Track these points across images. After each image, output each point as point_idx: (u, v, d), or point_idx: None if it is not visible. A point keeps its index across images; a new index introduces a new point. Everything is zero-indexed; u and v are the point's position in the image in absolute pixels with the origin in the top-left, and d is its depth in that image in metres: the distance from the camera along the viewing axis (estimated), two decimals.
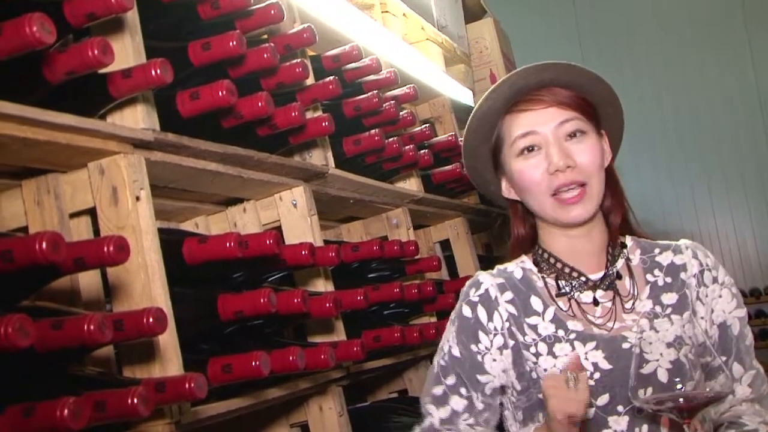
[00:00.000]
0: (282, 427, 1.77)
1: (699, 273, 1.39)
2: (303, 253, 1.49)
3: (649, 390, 1.19)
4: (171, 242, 1.29)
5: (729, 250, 7.56)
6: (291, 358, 1.34)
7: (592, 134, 1.36)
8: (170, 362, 1.20)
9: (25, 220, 1.25)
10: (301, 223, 1.74)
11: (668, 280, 1.39)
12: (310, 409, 1.73)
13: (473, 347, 1.36)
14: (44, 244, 0.91)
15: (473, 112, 1.40)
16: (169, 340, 1.20)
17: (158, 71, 1.13)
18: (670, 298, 1.37)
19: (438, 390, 1.39)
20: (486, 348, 1.35)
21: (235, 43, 1.34)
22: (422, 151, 2.17)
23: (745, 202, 7.54)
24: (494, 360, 1.35)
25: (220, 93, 1.28)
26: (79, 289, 1.25)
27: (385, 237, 2.28)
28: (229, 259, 1.31)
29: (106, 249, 1.00)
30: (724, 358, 1.34)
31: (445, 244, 2.81)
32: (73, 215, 1.27)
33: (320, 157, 1.77)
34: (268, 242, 1.36)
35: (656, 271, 1.40)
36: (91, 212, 1.27)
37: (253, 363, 1.25)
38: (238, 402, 1.34)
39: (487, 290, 1.37)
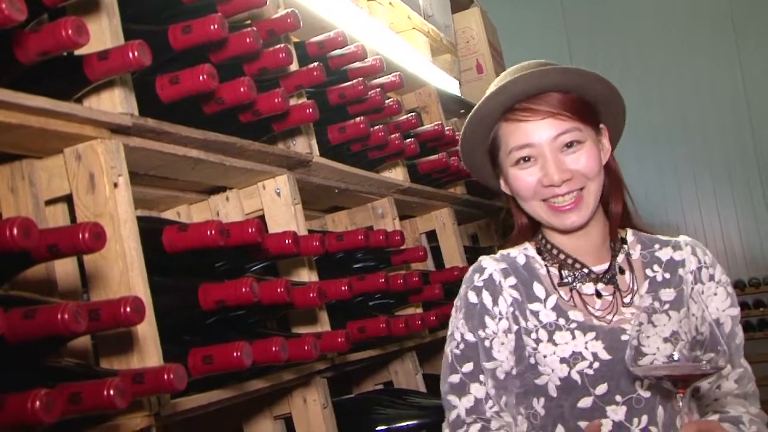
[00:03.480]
0: (265, 420, 1.74)
1: (696, 270, 1.40)
2: (286, 242, 1.46)
3: (645, 382, 1.23)
4: (150, 230, 1.26)
5: (714, 243, 7.58)
6: (274, 348, 1.31)
7: (589, 140, 1.35)
8: (149, 353, 1.17)
9: None
10: (285, 212, 1.71)
11: (667, 275, 1.40)
12: (293, 402, 1.70)
13: (481, 333, 1.35)
14: (15, 230, 0.87)
15: (470, 115, 1.39)
16: (148, 330, 1.17)
17: (136, 53, 1.10)
18: (668, 294, 1.38)
19: (455, 378, 1.36)
20: (493, 332, 1.35)
21: (216, 26, 1.30)
22: (408, 140, 2.15)
23: (730, 196, 7.57)
24: (502, 344, 1.34)
25: (200, 77, 1.25)
26: (55, 279, 1.22)
27: (370, 227, 2.25)
28: (210, 247, 1.28)
29: (81, 236, 0.97)
30: (712, 355, 1.33)
31: (431, 236, 2.78)
32: (48, 202, 1.23)
33: (304, 145, 1.74)
34: (250, 230, 1.33)
35: (655, 267, 1.41)
36: (68, 199, 1.23)
37: (235, 354, 1.22)
38: (220, 394, 1.31)
39: (491, 275, 1.37)
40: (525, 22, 7.33)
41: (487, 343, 1.35)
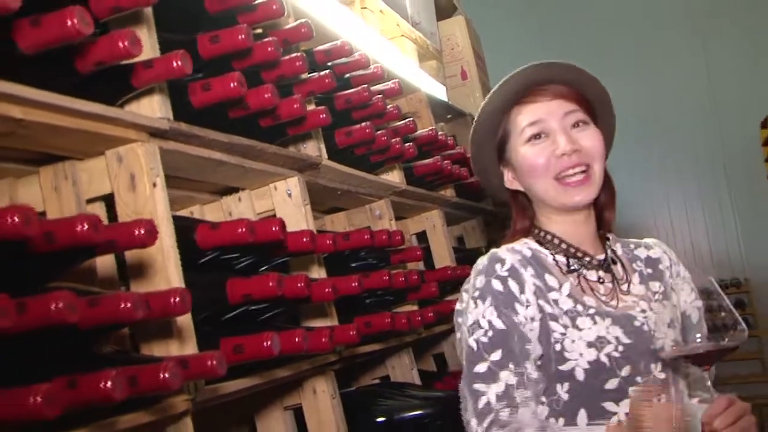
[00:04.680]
0: (276, 410, 1.82)
1: (669, 266, 1.53)
2: (304, 240, 1.55)
3: (659, 364, 1.34)
4: (184, 228, 1.34)
5: (683, 245, 7.78)
6: (297, 339, 1.40)
7: (593, 125, 1.45)
8: (187, 341, 1.25)
9: (41, 205, 1.29)
10: (296, 213, 1.79)
11: (650, 270, 1.51)
12: (304, 392, 1.78)
13: (515, 318, 1.35)
14: (86, 226, 0.96)
15: (482, 105, 1.48)
16: (185, 319, 1.25)
17: (179, 62, 1.19)
18: (656, 286, 1.48)
19: (482, 367, 1.34)
20: (525, 318, 1.36)
21: (243, 36, 1.39)
22: (407, 144, 2.25)
23: (699, 199, 7.78)
24: (531, 330, 1.36)
25: (231, 84, 1.34)
26: (95, 270, 1.30)
27: (367, 228, 2.34)
28: (238, 244, 1.37)
29: (137, 232, 1.06)
30: (732, 332, 1.44)
31: (421, 237, 2.88)
32: (89, 201, 1.31)
33: (314, 148, 1.83)
34: (273, 228, 1.42)
35: (638, 263, 1.52)
36: (106, 198, 1.31)
37: (265, 343, 1.31)
38: (247, 381, 1.40)
39: (513, 265, 1.40)
40: (502, 28, 7.48)
41: (522, 328, 1.35)
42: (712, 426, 1.23)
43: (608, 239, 1.53)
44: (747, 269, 7.32)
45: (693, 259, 7.92)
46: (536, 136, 1.44)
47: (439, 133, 2.64)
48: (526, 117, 1.44)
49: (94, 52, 1.08)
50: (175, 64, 1.18)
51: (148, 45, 1.27)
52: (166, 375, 1.04)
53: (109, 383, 0.93)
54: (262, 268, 1.71)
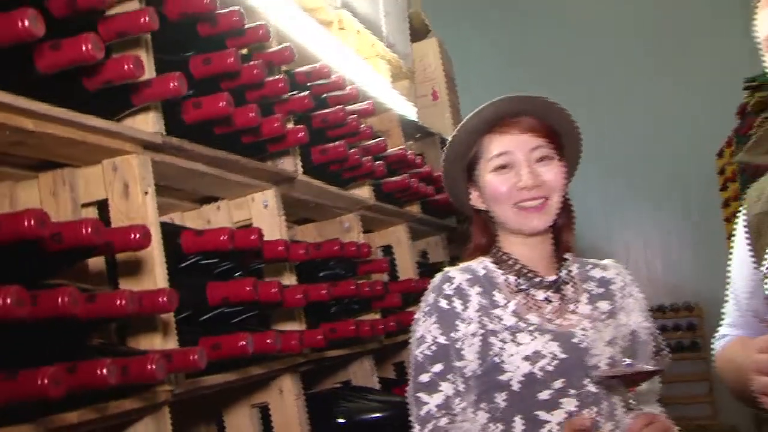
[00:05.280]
0: (243, 407, 1.93)
1: (622, 287, 1.64)
2: (279, 248, 1.67)
3: (594, 378, 1.45)
4: (170, 233, 1.46)
5: (638, 268, 8.04)
6: (269, 341, 1.52)
7: (557, 159, 1.57)
8: (170, 337, 1.37)
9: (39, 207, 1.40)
10: (271, 223, 1.91)
11: (601, 290, 1.62)
12: (271, 391, 1.90)
13: (453, 335, 1.48)
14: (90, 229, 1.07)
15: (458, 128, 1.59)
16: (169, 317, 1.37)
17: (176, 83, 1.31)
18: (604, 305, 1.59)
19: (425, 378, 1.47)
20: (464, 335, 1.48)
21: (232, 60, 1.52)
22: (378, 162, 2.38)
23: (656, 227, 8.06)
24: (471, 345, 1.48)
25: (220, 104, 1.46)
26: (87, 270, 1.41)
27: (337, 239, 2.47)
28: (219, 250, 1.49)
29: (133, 236, 1.18)
30: (630, 360, 1.58)
31: (386, 250, 3.02)
32: (83, 205, 1.42)
33: (291, 164, 1.96)
34: (252, 237, 1.55)
35: (590, 283, 1.63)
36: (100, 203, 1.43)
37: (240, 343, 1.43)
38: (225, 377, 1.51)
39: (460, 284, 1.52)
40: (476, 48, 7.69)
41: (458, 345, 1.48)
42: None
43: (566, 260, 1.66)
44: (699, 294, 7.55)
45: (647, 282, 8.17)
46: (503, 166, 1.56)
47: (408, 151, 2.78)
48: (496, 147, 1.56)
49: (102, 72, 1.20)
50: (171, 84, 1.30)
51: (146, 67, 1.38)
52: (154, 366, 1.16)
53: (104, 370, 1.05)
54: (237, 274, 1.83)
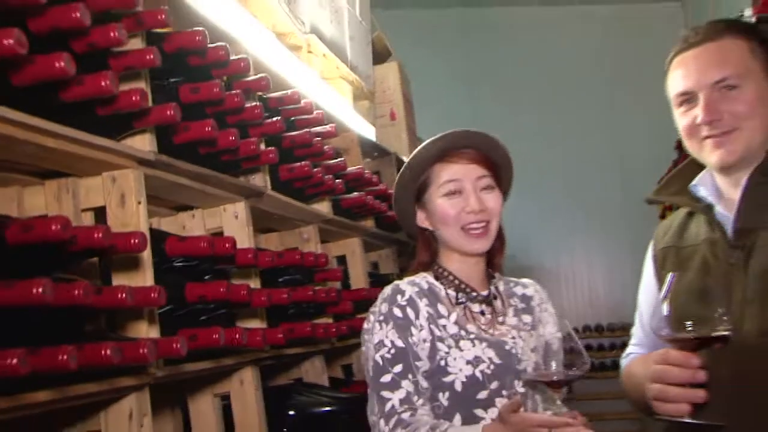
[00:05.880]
0: (207, 396, 2.15)
1: (539, 303, 1.88)
2: (249, 255, 1.90)
3: (522, 380, 1.68)
4: (157, 238, 1.68)
5: (581, 288, 8.43)
6: (237, 336, 1.75)
7: (497, 189, 1.80)
8: (153, 328, 1.59)
9: (44, 210, 1.61)
10: (240, 232, 2.13)
11: (523, 306, 1.86)
12: (232, 383, 2.12)
13: (410, 339, 1.67)
14: (101, 234, 1.30)
15: (412, 157, 1.80)
16: (153, 310, 1.59)
17: (172, 112, 1.54)
18: (526, 318, 1.83)
19: (387, 378, 1.64)
20: (418, 340, 1.67)
21: (217, 89, 1.76)
22: (338, 180, 2.62)
23: (600, 250, 8.48)
24: (423, 349, 1.67)
25: (207, 128, 1.69)
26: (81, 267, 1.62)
27: (296, 248, 2.70)
28: (198, 255, 1.71)
29: (133, 241, 1.40)
30: (553, 366, 1.83)
31: (341, 259, 3.26)
32: (82, 210, 1.64)
33: (261, 180, 2.19)
34: (227, 245, 1.78)
35: (515, 299, 1.86)
36: (96, 210, 1.64)
37: (214, 336, 1.66)
38: (200, 365, 1.74)
39: (411, 296, 1.71)
40: (435, 71, 8.02)
41: (415, 348, 1.66)
42: None
43: (494, 278, 1.90)
44: None
45: (589, 301, 8.58)
46: (452, 192, 1.78)
47: (365, 170, 3.03)
48: (447, 174, 1.78)
49: (115, 103, 1.42)
50: (168, 113, 1.53)
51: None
52: (145, 350, 1.39)
53: (108, 351, 1.28)
54: (206, 276, 2.05)
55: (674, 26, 8.57)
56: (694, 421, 1.50)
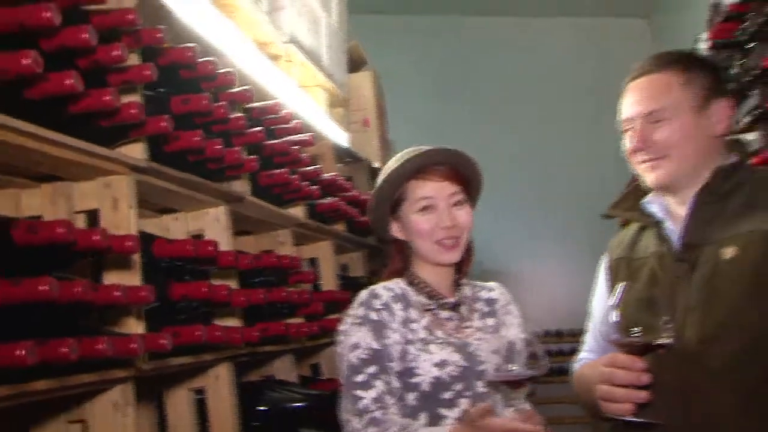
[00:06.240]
0: (182, 390, 2.26)
1: (504, 305, 2.00)
2: (230, 258, 2.02)
3: (485, 381, 1.78)
4: (145, 240, 1.79)
5: (542, 295, 8.64)
6: (218, 333, 1.87)
7: (467, 204, 1.91)
8: (140, 324, 1.70)
9: (39, 212, 1.71)
10: (221, 235, 2.25)
11: (487, 309, 1.98)
12: (208, 378, 2.23)
13: (384, 341, 1.76)
14: (99, 236, 1.41)
15: (388, 174, 1.90)
16: (141, 307, 1.71)
17: (165, 124, 1.66)
18: (490, 321, 1.95)
19: (360, 378, 1.72)
20: (392, 342, 1.76)
21: (206, 102, 1.87)
22: (313, 186, 2.75)
23: (563, 256, 8.70)
24: (395, 351, 1.76)
25: (195, 138, 1.81)
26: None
27: (271, 251, 2.82)
28: (184, 256, 1.83)
29: (127, 243, 1.52)
30: (514, 366, 1.97)
31: (312, 262, 3.37)
32: (76, 212, 1.74)
33: (242, 186, 2.31)
34: (210, 248, 1.89)
35: (480, 303, 1.98)
36: (89, 213, 1.75)
37: (196, 333, 1.77)
38: (184, 359, 1.85)
39: (386, 300, 1.81)
40: (409, 80, 8.20)
41: (388, 350, 1.75)
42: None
43: (461, 284, 2.03)
44: None
45: (549, 306, 8.79)
46: (426, 208, 1.89)
47: (339, 176, 3.16)
48: (421, 191, 1.89)
49: (117, 115, 1.53)
50: (162, 124, 1.65)
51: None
52: (135, 345, 1.50)
53: (104, 344, 1.39)
54: (186, 276, 2.16)
55: (640, 42, 8.88)
56: (637, 420, 1.64)
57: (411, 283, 1.93)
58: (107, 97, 1.42)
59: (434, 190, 1.89)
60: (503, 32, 8.91)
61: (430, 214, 1.88)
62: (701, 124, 1.75)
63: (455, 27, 8.88)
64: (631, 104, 1.81)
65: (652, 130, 1.76)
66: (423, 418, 1.78)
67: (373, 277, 3.76)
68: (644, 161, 1.80)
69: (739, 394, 1.65)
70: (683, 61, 1.80)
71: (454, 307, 1.93)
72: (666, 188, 1.81)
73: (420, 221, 1.88)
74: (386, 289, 1.86)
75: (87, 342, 1.39)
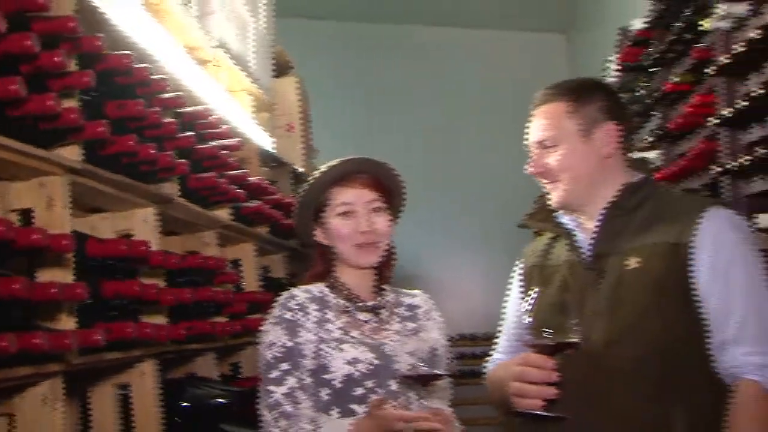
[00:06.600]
0: (107, 386, 2.30)
1: (426, 312, 2.10)
2: (159, 258, 2.10)
3: (397, 380, 1.86)
4: (78, 240, 1.85)
5: (460, 300, 8.89)
6: (147, 330, 1.95)
7: (386, 211, 2.01)
8: (71, 320, 1.77)
9: None
10: (149, 236, 2.31)
11: (408, 314, 2.07)
12: (133, 374, 2.29)
13: (298, 339, 1.84)
14: (40, 235, 1.48)
15: (314, 179, 1.99)
16: (73, 304, 1.77)
17: (102, 129, 1.73)
18: (410, 325, 2.04)
19: (274, 374, 1.82)
20: (306, 340, 1.84)
21: (140, 107, 1.95)
22: (240, 190, 2.84)
23: (476, 263, 8.99)
24: (309, 349, 1.84)
25: (130, 143, 1.88)
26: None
27: (196, 252, 2.88)
28: (116, 255, 1.90)
29: (63, 242, 1.58)
30: (426, 366, 2.09)
31: (235, 263, 3.45)
32: (10, 211, 1.79)
33: (171, 188, 2.38)
34: (142, 248, 1.97)
35: (401, 308, 2.07)
36: (24, 211, 1.80)
37: (127, 329, 1.85)
38: (110, 355, 1.92)
39: (302, 301, 1.89)
40: (333, 87, 8.31)
41: (301, 348, 1.83)
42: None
43: (383, 289, 2.10)
44: None
45: (465, 310, 9.04)
46: (346, 213, 1.98)
47: (264, 180, 3.25)
48: (342, 197, 1.98)
49: (59, 120, 1.60)
50: (100, 129, 1.72)
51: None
52: (69, 340, 1.57)
53: (40, 339, 1.46)
54: (116, 275, 2.22)
55: (558, 56, 9.25)
56: (546, 414, 1.78)
57: (332, 287, 2.01)
58: (50, 102, 1.49)
59: (354, 196, 1.99)
60: (430, 43, 9.14)
61: (350, 219, 1.97)
62: (588, 148, 1.90)
63: (382, 35, 9.07)
64: (529, 132, 1.97)
65: (545, 156, 1.92)
66: (335, 413, 1.87)
67: (293, 279, 3.86)
68: (544, 183, 1.96)
69: (639, 393, 1.80)
70: (574, 91, 1.95)
71: (374, 309, 2.03)
72: (565, 207, 1.96)
73: (340, 225, 1.97)
74: (304, 291, 1.95)
75: (25, 336, 1.45)
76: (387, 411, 1.72)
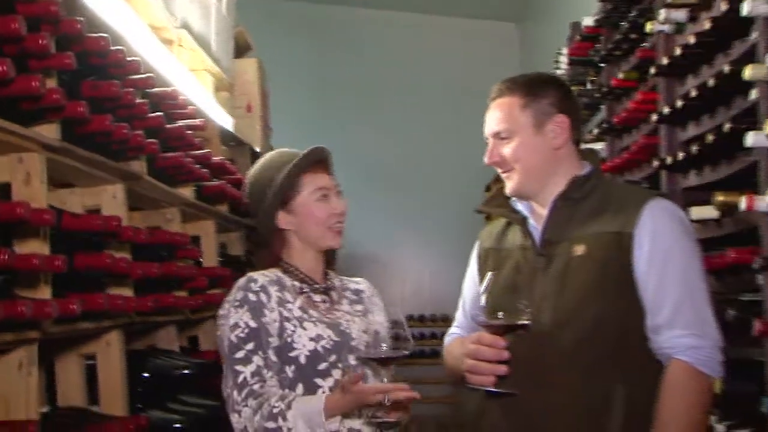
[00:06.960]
0: (73, 356, 2.39)
1: (370, 297, 2.22)
2: (129, 233, 2.19)
3: (355, 355, 1.98)
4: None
5: (409, 282, 9.08)
6: (119, 302, 2.04)
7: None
8: (47, 290, 1.85)
9: None
10: (117, 211, 2.39)
11: (355, 297, 2.20)
12: (99, 344, 2.38)
13: (263, 319, 1.91)
14: (23, 210, 1.56)
15: (287, 171, 2.04)
16: (48, 276, 1.86)
17: (82, 109, 1.81)
18: (358, 307, 2.16)
19: (240, 354, 1.87)
20: (271, 320, 1.92)
21: (115, 88, 2.03)
22: (204, 169, 2.93)
23: (428, 248, 9.18)
24: (274, 328, 1.92)
25: (107, 122, 1.97)
26: None
27: (158, 227, 2.97)
28: (90, 230, 1.99)
29: (45, 216, 1.67)
30: (384, 347, 2.21)
31: (194, 239, 3.54)
32: None
33: (139, 166, 2.47)
34: (114, 223, 2.06)
35: (348, 292, 2.19)
36: (1, 186, 1.87)
37: (99, 300, 1.94)
38: (82, 325, 2.01)
39: (263, 284, 1.96)
40: (295, 73, 8.40)
41: (267, 327, 1.90)
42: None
43: (330, 274, 2.19)
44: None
45: (415, 292, 9.24)
46: (325, 197, 2.07)
47: (226, 160, 3.34)
48: (318, 182, 2.07)
49: (42, 100, 1.68)
50: (79, 109, 1.80)
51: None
52: (49, 309, 1.66)
53: (24, 307, 1.55)
54: (87, 248, 2.30)
55: (510, 46, 9.44)
56: (496, 390, 1.92)
57: (285, 270, 2.09)
58: (35, 83, 1.58)
59: (328, 181, 2.10)
60: (382, 27, 9.24)
61: (326, 202, 2.08)
62: (540, 140, 2.02)
63: (333, 18, 9.14)
64: (486, 123, 2.10)
65: (500, 147, 2.05)
66: (300, 388, 1.96)
67: (251, 256, 3.96)
68: (500, 172, 2.09)
69: (581, 372, 1.93)
70: (527, 86, 2.06)
71: (326, 291, 2.13)
72: (519, 195, 2.09)
73: (319, 209, 2.06)
74: (262, 275, 2.03)
75: (10, 304, 1.54)
76: (363, 386, 1.82)
